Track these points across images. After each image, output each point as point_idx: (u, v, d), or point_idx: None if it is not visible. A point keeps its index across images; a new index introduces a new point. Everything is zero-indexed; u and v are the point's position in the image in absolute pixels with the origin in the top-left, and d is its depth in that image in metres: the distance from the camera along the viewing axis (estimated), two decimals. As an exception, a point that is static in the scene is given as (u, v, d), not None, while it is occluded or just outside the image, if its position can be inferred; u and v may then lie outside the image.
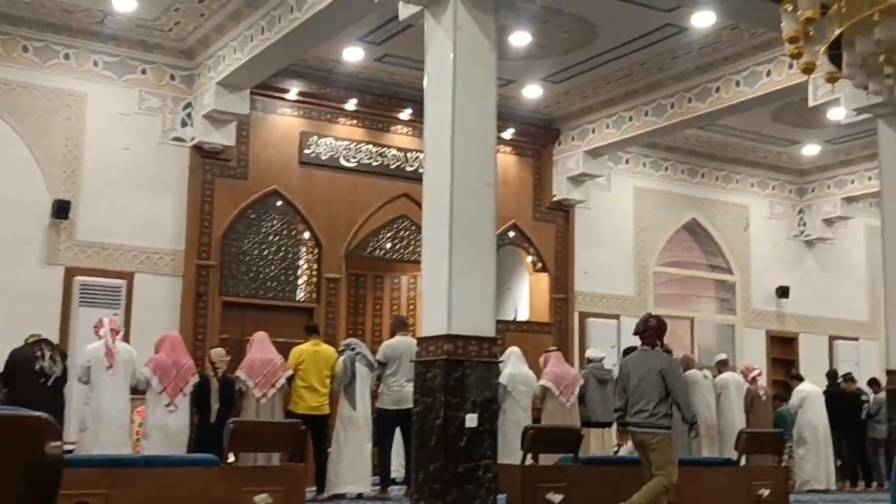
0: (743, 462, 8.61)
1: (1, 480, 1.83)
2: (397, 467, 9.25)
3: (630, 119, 11.48)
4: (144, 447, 7.87)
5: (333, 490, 8.39)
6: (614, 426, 10.01)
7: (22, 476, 1.86)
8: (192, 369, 8.07)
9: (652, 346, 6.69)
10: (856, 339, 14.94)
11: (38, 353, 7.76)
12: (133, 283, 9.95)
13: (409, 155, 11.59)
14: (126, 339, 8.82)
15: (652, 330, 6.70)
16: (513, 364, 9.13)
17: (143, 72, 10.22)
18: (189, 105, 10.33)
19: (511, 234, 12.36)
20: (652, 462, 6.44)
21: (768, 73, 9.80)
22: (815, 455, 11.18)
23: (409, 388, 7.92)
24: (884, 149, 8.76)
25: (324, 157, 11.13)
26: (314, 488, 8.21)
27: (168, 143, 10.30)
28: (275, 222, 10.95)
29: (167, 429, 7.79)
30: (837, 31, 5.42)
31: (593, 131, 12.03)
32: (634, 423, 6.51)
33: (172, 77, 10.36)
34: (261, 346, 8.55)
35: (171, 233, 10.22)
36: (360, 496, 8.44)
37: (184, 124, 10.33)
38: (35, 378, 7.63)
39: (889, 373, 8.52)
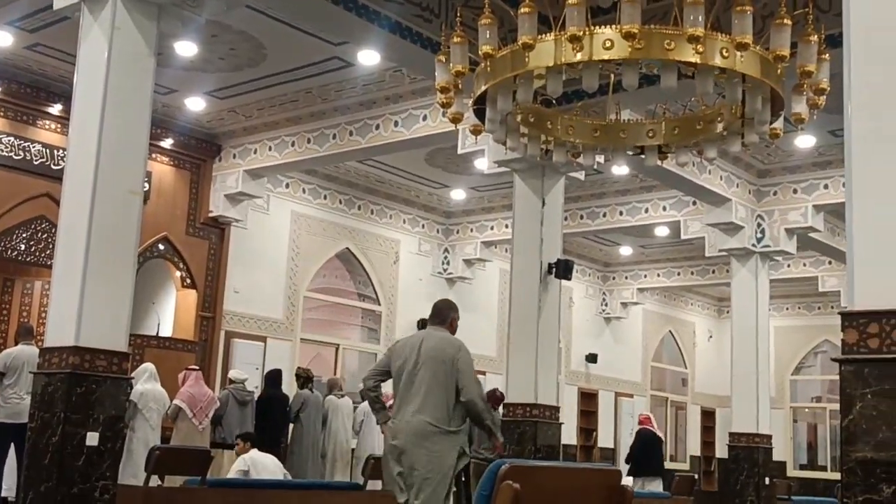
0: (371, 486, 8.91)
1: None
2: (10, 485, 8.55)
3: (292, 144, 11.57)
4: None
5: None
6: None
7: None
8: None
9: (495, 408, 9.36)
10: (483, 373, 16.03)
11: None
12: None
13: (55, 152, 10.81)
14: None
15: (494, 401, 9.45)
16: (145, 381, 8.83)
17: None
18: None
19: (161, 246, 11.92)
20: None
21: (424, 118, 10.32)
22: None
23: (29, 400, 7.38)
24: (518, 201, 9.53)
25: (-45, 144, 10.11)
26: None
27: None
28: None
29: None
30: (483, 88, 5.86)
31: (255, 152, 11.96)
32: None
33: None
34: None
35: None
36: (-41, 518, 7.68)
37: None
38: None
39: (505, 405, 9.24)
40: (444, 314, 5.98)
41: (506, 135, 6.61)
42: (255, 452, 8.09)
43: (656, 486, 12.54)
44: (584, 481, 2.81)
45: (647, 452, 12.86)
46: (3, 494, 8.45)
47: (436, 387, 5.53)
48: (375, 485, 9.09)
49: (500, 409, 9.66)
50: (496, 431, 5.66)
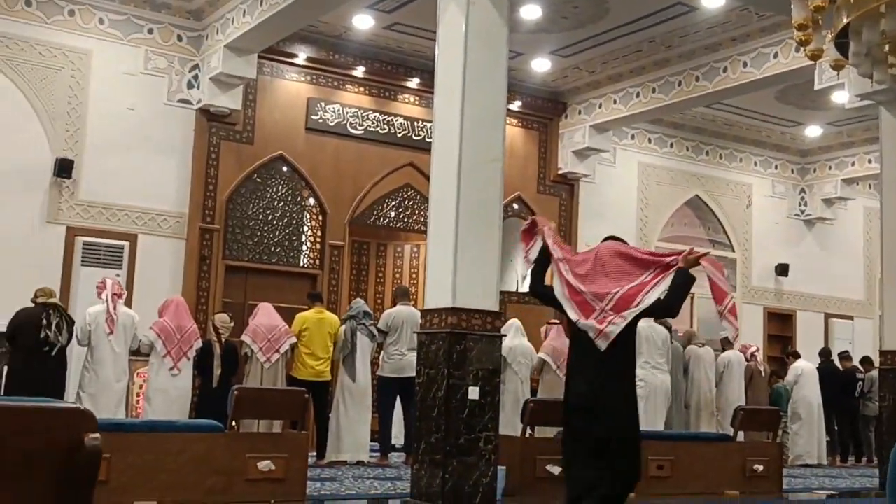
0: (740, 437, 8.74)
1: (41, 471, 1.90)
2: (397, 433, 9.38)
3: (637, 95, 11.49)
4: (146, 411, 7.94)
5: (333, 457, 8.53)
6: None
7: (61, 466, 1.92)
8: (195, 334, 8.17)
9: None
10: (850, 317, 15.06)
11: (45, 321, 7.48)
12: (136, 245, 9.92)
13: (416, 124, 11.61)
14: (129, 300, 8.85)
15: None
16: (512, 336, 9.18)
17: (150, 31, 10.14)
18: (196, 67, 10.29)
19: (515, 205, 12.39)
20: None
21: (775, 56, 9.79)
22: (808, 431, 11.36)
23: (410, 356, 8.03)
24: (885, 134, 8.80)
25: (331, 124, 11.15)
26: (314, 454, 8.34)
27: (174, 104, 10.25)
28: (280, 188, 10.98)
29: (170, 393, 7.87)
30: (845, 21, 5.44)
31: (600, 106, 12.03)
32: None
33: (180, 38, 10.29)
34: (266, 312, 8.67)
35: (175, 195, 10.19)
36: (359, 463, 8.58)
37: (190, 86, 10.29)
38: (39, 345, 7.43)
39: (882, 353, 8.64)
40: None
41: (872, 67, 6.11)
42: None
43: None
44: None
45: None
46: (392, 442, 9.27)
47: None
48: (747, 435, 8.92)
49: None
50: None
